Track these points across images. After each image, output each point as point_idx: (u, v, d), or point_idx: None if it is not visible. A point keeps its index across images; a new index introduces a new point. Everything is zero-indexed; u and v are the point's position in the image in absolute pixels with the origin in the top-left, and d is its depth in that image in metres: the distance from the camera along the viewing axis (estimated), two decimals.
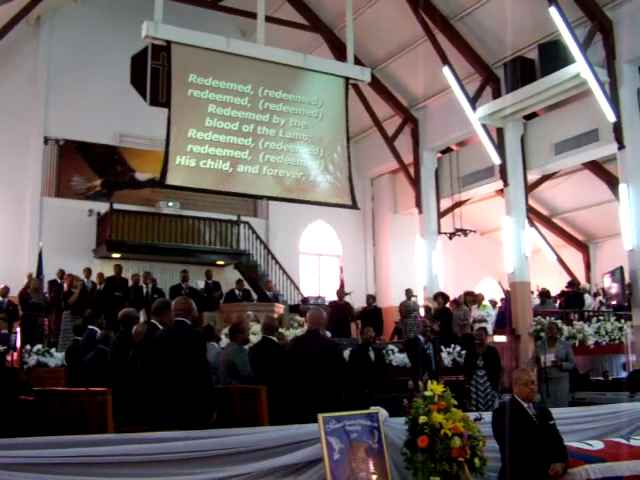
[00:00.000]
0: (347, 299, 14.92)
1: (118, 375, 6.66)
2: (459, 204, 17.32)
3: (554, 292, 16.47)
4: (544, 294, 15.89)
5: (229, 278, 16.43)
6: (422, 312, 14.55)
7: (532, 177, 15.75)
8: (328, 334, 12.17)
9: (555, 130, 14.63)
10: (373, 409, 5.32)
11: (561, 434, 5.41)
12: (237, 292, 14.69)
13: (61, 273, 13.43)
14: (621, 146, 12.81)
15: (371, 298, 15.13)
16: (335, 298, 15.08)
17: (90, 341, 8.03)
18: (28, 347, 10.74)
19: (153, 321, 6.25)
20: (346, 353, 11.01)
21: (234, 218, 16.93)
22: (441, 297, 14.75)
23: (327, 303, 15.07)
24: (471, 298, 14.64)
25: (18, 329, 11.64)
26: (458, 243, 17.58)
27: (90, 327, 8.62)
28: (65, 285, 12.91)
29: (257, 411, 6.10)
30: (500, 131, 15.03)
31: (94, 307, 12.14)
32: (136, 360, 6.36)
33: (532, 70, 13.98)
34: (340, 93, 12.57)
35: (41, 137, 16.08)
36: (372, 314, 14.43)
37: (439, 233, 17.19)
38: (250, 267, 16.84)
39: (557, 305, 15.67)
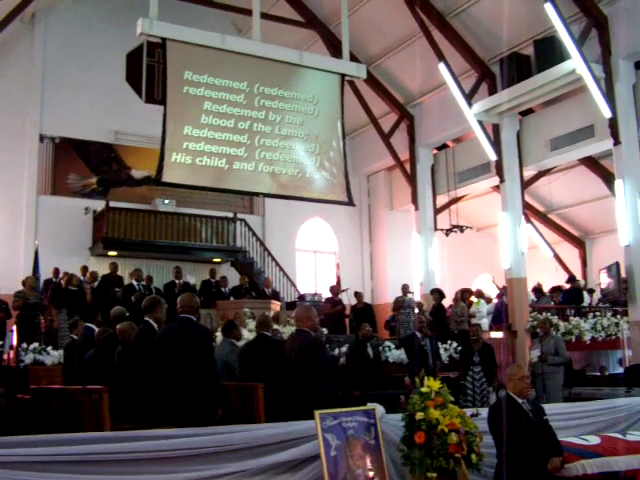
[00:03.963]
0: (344, 296, 14.91)
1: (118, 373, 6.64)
2: (455, 200, 17.32)
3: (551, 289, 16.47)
4: (538, 290, 15.89)
5: (226, 275, 16.38)
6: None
7: (528, 173, 15.75)
8: (325, 331, 12.21)
9: (551, 126, 14.63)
10: (370, 405, 5.33)
11: (558, 429, 5.44)
12: (222, 289, 14.66)
13: (56, 271, 13.39)
14: (617, 142, 12.81)
15: (360, 295, 15.02)
16: (330, 295, 15.07)
17: (87, 339, 8.03)
18: (24, 345, 10.73)
19: (147, 319, 6.22)
20: (343, 350, 11.05)
21: (230, 215, 16.92)
22: (437, 293, 14.76)
23: (323, 300, 15.04)
24: (469, 294, 14.66)
25: (14, 327, 11.59)
26: (454, 239, 17.57)
27: (86, 325, 8.61)
28: (63, 282, 12.90)
29: (254, 408, 6.11)
30: (496, 127, 15.00)
31: (90, 305, 12.14)
32: (126, 358, 6.32)
33: (528, 66, 13.97)
34: (336, 90, 12.54)
35: (36, 135, 15.99)
36: (363, 311, 14.38)
37: (435, 229, 17.21)
38: (246, 264, 16.86)
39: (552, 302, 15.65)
